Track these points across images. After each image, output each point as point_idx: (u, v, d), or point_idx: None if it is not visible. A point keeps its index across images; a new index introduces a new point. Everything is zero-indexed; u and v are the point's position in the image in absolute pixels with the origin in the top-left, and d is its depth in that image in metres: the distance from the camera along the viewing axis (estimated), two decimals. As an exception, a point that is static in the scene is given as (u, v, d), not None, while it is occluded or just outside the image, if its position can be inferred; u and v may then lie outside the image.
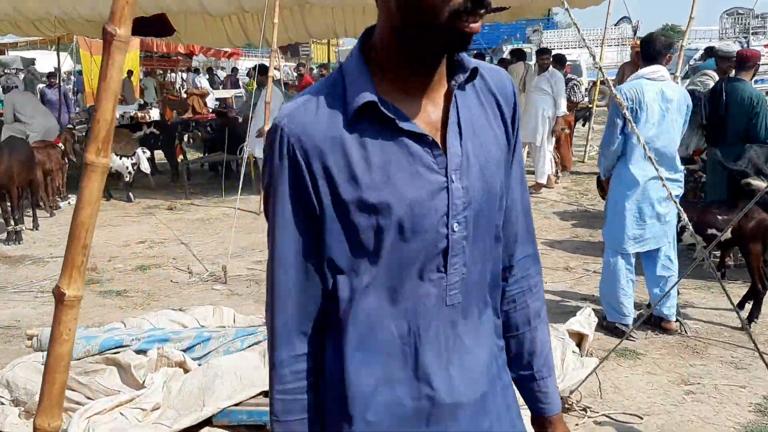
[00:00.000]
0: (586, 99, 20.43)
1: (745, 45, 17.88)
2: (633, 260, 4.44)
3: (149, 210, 9.23)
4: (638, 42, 8.70)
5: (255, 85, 10.56)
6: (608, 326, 4.47)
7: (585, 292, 5.31)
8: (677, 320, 4.50)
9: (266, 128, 8.85)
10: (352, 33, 11.87)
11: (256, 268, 6.41)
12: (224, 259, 6.25)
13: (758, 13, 18.03)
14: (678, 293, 4.67)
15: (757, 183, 4.70)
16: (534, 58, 21.86)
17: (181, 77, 23.52)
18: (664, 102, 4.23)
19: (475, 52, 26.77)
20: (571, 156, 10.49)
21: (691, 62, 18.48)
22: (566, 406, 3.37)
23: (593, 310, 4.44)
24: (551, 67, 9.09)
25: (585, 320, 4.20)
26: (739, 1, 18.99)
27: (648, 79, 4.29)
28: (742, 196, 5.18)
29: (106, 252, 7.15)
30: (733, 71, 5.65)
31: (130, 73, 18.14)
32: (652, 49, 4.36)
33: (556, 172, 9.63)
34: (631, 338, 4.30)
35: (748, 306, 4.60)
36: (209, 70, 25.14)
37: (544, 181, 9.21)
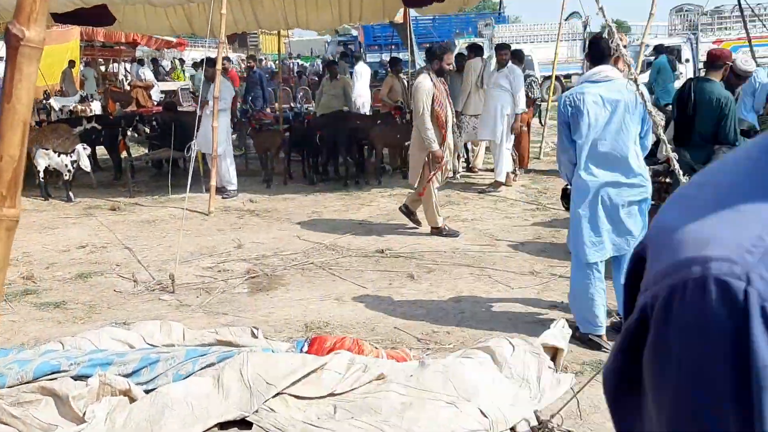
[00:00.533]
0: (539, 95, 20.64)
1: (694, 42, 18.20)
2: (600, 267, 4.27)
3: (90, 211, 8.69)
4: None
5: (182, 75, 10.06)
6: (581, 337, 4.30)
7: (554, 299, 5.13)
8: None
9: (215, 124, 8.47)
10: (303, 24, 11.49)
11: (206, 275, 6.03)
12: (172, 266, 5.85)
13: (707, 9, 18.37)
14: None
15: None
16: (486, 52, 22.00)
17: (125, 68, 22.63)
18: (608, 104, 4.05)
19: (428, 45, 26.37)
20: (527, 155, 10.38)
21: (642, 58, 18.71)
22: (547, 430, 3.16)
23: (565, 319, 4.25)
24: (510, 62, 8.92)
25: (560, 333, 4.00)
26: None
27: (590, 81, 4.15)
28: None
29: (44, 258, 6.65)
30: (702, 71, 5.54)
31: (71, 63, 17.28)
32: (597, 51, 4.25)
33: (515, 169, 9.49)
34: (605, 350, 4.13)
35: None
36: (154, 61, 24.25)
37: (503, 179, 9.06)
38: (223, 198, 9.08)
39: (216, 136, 8.48)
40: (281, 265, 6.21)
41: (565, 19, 24.50)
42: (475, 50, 10.23)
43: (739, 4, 10.81)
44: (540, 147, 11.92)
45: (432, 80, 6.53)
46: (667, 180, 6.00)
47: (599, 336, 4.22)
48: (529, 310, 4.92)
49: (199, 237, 7.34)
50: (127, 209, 8.74)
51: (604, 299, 4.28)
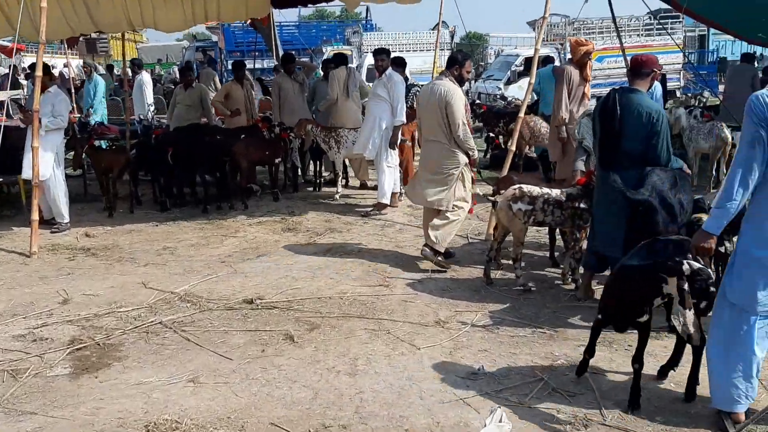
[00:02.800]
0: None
1: (562, 53, 18.25)
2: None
3: None
4: (579, 39, 7.83)
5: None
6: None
7: (470, 361, 4.12)
8: None
9: (35, 144, 6.79)
10: (150, 23, 9.88)
11: (14, 348, 4.48)
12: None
13: (573, 19, 18.51)
14: None
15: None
16: (355, 61, 21.09)
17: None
18: None
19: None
20: (413, 170, 9.44)
21: (513, 68, 18.60)
22: None
23: (501, 408, 3.24)
24: (390, 70, 7.93)
25: (497, 429, 2.98)
26: (557, 7, 19.38)
27: None
28: (646, 231, 4.30)
29: None
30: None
31: None
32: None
33: (401, 189, 8.51)
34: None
35: None
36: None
37: (387, 200, 8.04)
38: (51, 233, 7.37)
39: (37, 158, 6.81)
40: (118, 329, 4.76)
41: (432, 29, 24.21)
42: (339, 59, 9.21)
43: (613, 16, 10.52)
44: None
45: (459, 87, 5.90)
46: (581, 205, 5.21)
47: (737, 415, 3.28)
48: (446, 383, 3.85)
49: (12, 289, 5.70)
50: None
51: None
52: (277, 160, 8.71)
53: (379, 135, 7.90)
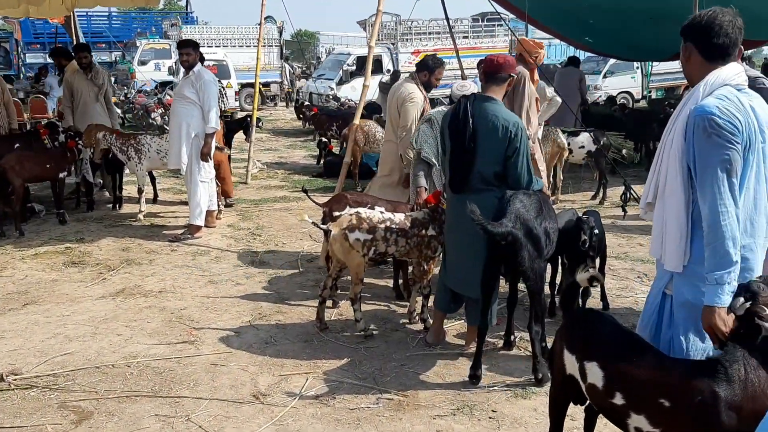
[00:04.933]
0: (236, 104, 18.52)
1: (395, 54, 17.75)
2: None
3: None
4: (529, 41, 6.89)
5: None
6: None
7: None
8: None
9: None
10: None
11: None
12: None
13: (403, 19, 18.03)
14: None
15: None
16: (173, 56, 19.16)
17: None
18: None
19: (102, 45, 22.90)
20: (231, 182, 8.22)
21: (345, 67, 17.80)
22: None
23: None
24: (200, 66, 6.65)
25: None
26: (386, 6, 18.99)
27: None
28: (509, 268, 3.53)
29: None
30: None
31: None
32: None
33: (219, 205, 7.27)
34: None
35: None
36: None
37: (201, 221, 6.76)
38: None
39: None
40: None
41: (258, 24, 22.90)
42: (62, 54, 8.02)
43: (446, 16, 10.02)
44: (246, 168, 9.85)
45: (422, 93, 5.43)
46: (429, 232, 4.37)
47: None
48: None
49: None
50: None
51: None
52: (61, 175, 7.08)
53: (188, 144, 6.62)
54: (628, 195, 5.67)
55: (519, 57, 6.97)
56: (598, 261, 4.66)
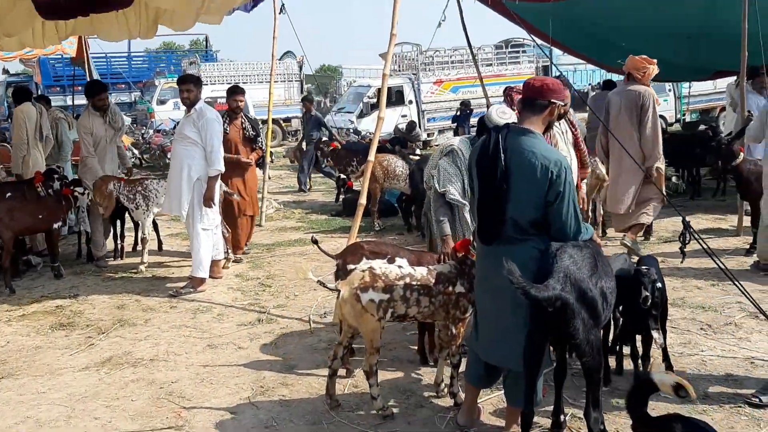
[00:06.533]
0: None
1: (417, 84, 17.21)
2: None
3: None
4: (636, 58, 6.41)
5: None
6: None
7: None
8: None
9: None
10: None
11: None
12: None
13: (424, 49, 17.53)
14: None
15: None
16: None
17: None
18: None
19: (122, 85, 22.81)
20: (245, 232, 7.59)
21: (365, 99, 17.32)
22: None
23: None
24: (201, 103, 6.11)
25: None
26: (406, 36, 18.51)
27: None
28: (559, 339, 2.81)
29: None
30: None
31: None
32: None
33: (227, 253, 6.66)
34: None
35: None
36: None
37: (204, 273, 6.14)
38: None
39: None
40: None
41: (279, 59, 22.63)
42: (22, 95, 7.53)
43: (469, 43, 9.46)
44: (261, 210, 9.25)
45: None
46: (457, 289, 3.68)
47: None
48: None
49: None
50: None
51: None
52: (55, 225, 6.54)
53: (189, 189, 6.04)
54: (687, 235, 4.91)
55: (628, 76, 6.52)
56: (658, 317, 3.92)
